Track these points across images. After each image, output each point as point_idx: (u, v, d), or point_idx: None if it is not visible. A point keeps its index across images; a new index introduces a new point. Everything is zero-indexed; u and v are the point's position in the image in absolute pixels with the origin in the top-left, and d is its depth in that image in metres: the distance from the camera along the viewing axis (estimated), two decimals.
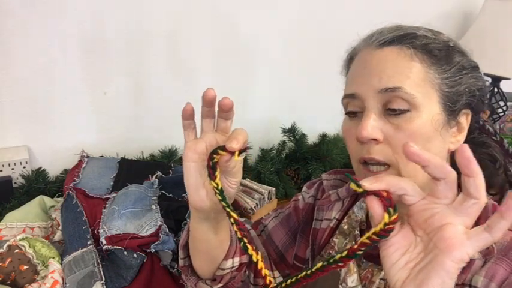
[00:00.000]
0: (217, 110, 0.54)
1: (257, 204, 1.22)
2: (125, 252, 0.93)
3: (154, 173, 1.18)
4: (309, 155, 1.48)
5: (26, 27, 1.11)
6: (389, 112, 0.54)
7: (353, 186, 0.41)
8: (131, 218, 1.00)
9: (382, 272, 0.61)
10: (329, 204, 0.72)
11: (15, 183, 1.17)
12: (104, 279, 0.90)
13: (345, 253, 0.42)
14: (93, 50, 1.21)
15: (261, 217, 0.83)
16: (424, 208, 0.42)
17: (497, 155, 0.63)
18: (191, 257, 0.67)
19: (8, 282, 0.87)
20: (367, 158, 0.55)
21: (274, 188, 1.30)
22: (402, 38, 0.56)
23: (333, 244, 0.69)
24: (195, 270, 0.68)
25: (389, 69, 0.55)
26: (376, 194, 0.41)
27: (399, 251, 0.43)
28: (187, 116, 0.53)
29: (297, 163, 1.49)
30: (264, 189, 1.27)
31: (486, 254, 0.54)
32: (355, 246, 0.42)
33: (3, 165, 1.15)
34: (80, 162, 1.19)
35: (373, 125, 0.54)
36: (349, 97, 0.59)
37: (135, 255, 0.94)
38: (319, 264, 0.43)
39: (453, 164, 0.61)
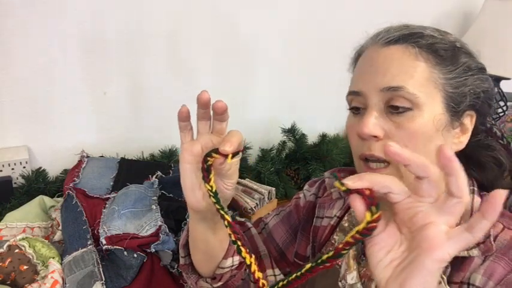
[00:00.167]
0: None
1: (257, 204, 1.22)
2: (125, 252, 0.93)
3: (154, 173, 1.18)
4: (309, 155, 1.48)
5: (26, 27, 1.11)
6: (391, 110, 0.55)
7: (337, 184, 0.41)
8: (131, 218, 1.00)
9: None
10: (330, 202, 0.73)
11: (15, 183, 1.17)
12: (104, 279, 0.90)
13: (331, 253, 0.42)
14: (93, 50, 1.21)
15: (262, 216, 0.83)
16: (409, 206, 0.42)
17: (502, 158, 0.63)
18: (191, 255, 0.68)
19: (8, 282, 0.87)
20: (367, 154, 0.56)
21: (274, 188, 1.30)
22: (408, 37, 0.57)
23: (333, 241, 0.69)
24: (196, 269, 0.68)
25: (394, 68, 0.55)
26: (359, 192, 0.41)
27: (384, 249, 0.43)
28: (183, 117, 0.53)
29: (297, 163, 1.49)
30: (264, 189, 1.27)
31: (485, 251, 0.54)
32: (340, 246, 0.42)
33: (3, 165, 1.15)
34: (80, 162, 1.19)
35: (374, 122, 0.55)
36: (353, 94, 0.59)
37: (135, 255, 0.94)
38: (308, 266, 0.43)
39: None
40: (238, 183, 1.30)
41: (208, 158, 0.50)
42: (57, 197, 1.16)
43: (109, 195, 1.09)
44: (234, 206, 1.21)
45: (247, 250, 0.48)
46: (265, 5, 1.42)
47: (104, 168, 1.20)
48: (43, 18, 1.12)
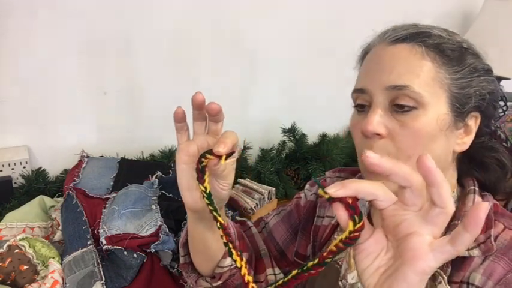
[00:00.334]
0: None
1: (257, 204, 1.22)
2: (125, 252, 0.93)
3: (154, 173, 1.18)
4: (309, 155, 1.48)
5: (26, 27, 1.11)
6: (396, 109, 0.55)
7: (320, 192, 0.40)
8: (131, 218, 1.00)
9: None
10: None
11: (15, 183, 1.17)
12: (104, 279, 0.90)
13: (316, 261, 0.42)
14: (93, 50, 1.21)
15: (262, 215, 0.84)
16: (394, 214, 0.41)
17: (505, 160, 0.63)
18: (191, 254, 0.68)
19: (8, 282, 0.87)
20: None
21: (274, 188, 1.30)
22: (415, 36, 0.57)
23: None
24: (195, 268, 0.69)
25: (400, 66, 0.55)
26: (342, 201, 0.40)
27: (371, 256, 0.42)
28: (179, 118, 0.54)
29: (297, 163, 1.49)
30: (264, 189, 1.27)
31: (486, 251, 0.54)
32: (325, 254, 0.41)
33: (3, 165, 1.15)
34: (80, 162, 1.19)
35: (378, 120, 0.55)
36: (358, 91, 0.59)
37: (135, 255, 0.94)
38: (294, 272, 0.43)
39: (460, 163, 0.61)
40: (238, 183, 1.31)
41: (203, 159, 0.50)
42: (57, 197, 1.16)
43: (109, 195, 1.09)
44: (234, 206, 1.21)
45: (239, 253, 0.48)
46: (266, 6, 1.42)
47: (104, 168, 1.20)
48: (43, 18, 1.12)
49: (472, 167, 0.63)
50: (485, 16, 1.66)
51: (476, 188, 0.60)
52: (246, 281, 0.45)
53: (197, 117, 0.54)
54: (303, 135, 1.52)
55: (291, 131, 1.51)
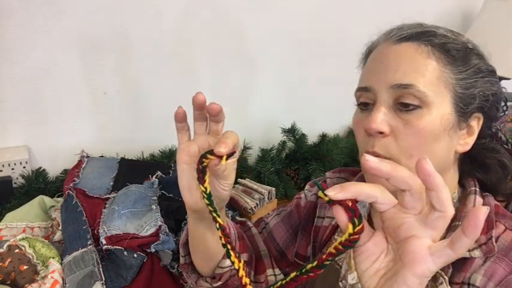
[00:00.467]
0: None
1: (257, 204, 1.22)
2: (125, 252, 0.93)
3: (154, 173, 1.18)
4: (309, 155, 1.48)
5: (26, 28, 1.11)
6: (400, 107, 0.55)
7: (320, 194, 0.40)
8: (131, 218, 1.00)
9: None
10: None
11: (15, 183, 1.17)
12: (104, 279, 0.90)
13: (315, 263, 0.42)
14: (93, 50, 1.21)
15: (262, 216, 0.83)
16: (394, 216, 0.40)
17: (507, 161, 0.63)
18: (191, 255, 0.68)
19: (8, 282, 0.87)
20: (370, 152, 0.56)
21: (274, 188, 1.30)
22: (421, 35, 0.57)
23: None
24: (196, 268, 0.68)
25: (405, 65, 0.55)
26: (341, 203, 0.40)
27: (371, 258, 0.42)
28: (179, 119, 0.54)
29: (297, 163, 1.49)
30: (264, 189, 1.27)
31: (487, 252, 0.54)
32: (324, 256, 0.41)
33: (3, 165, 1.15)
34: (80, 162, 1.19)
35: (382, 118, 0.55)
36: (362, 90, 0.59)
37: (135, 255, 0.94)
38: (292, 274, 0.43)
39: (461, 164, 0.61)
40: (238, 183, 1.31)
41: (204, 160, 0.50)
42: (57, 197, 1.16)
43: (109, 195, 1.09)
44: (234, 206, 1.21)
45: (237, 254, 0.48)
46: (267, 6, 1.42)
47: (104, 168, 1.20)
48: (43, 18, 1.12)
49: (473, 168, 0.63)
50: (485, 16, 1.66)
51: (477, 189, 0.60)
52: (244, 284, 0.45)
53: (198, 117, 0.54)
54: (303, 135, 1.52)
55: (291, 131, 1.51)
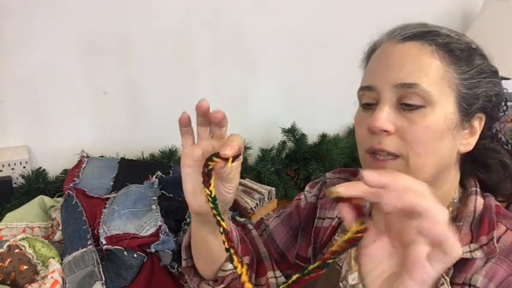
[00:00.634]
0: None
1: (257, 204, 1.22)
2: (125, 252, 0.93)
3: (154, 173, 1.17)
4: (309, 155, 1.48)
5: (27, 28, 1.11)
6: (404, 106, 0.55)
7: (328, 190, 0.40)
8: (131, 218, 1.00)
9: None
10: (332, 203, 0.72)
11: (15, 183, 1.17)
12: (104, 279, 0.90)
13: (316, 264, 0.42)
14: (93, 50, 1.21)
15: (262, 217, 0.83)
16: (397, 220, 0.40)
17: (507, 161, 0.63)
18: (193, 258, 0.67)
19: (8, 282, 0.87)
20: (377, 148, 0.55)
21: (274, 188, 1.30)
22: (425, 34, 0.57)
23: (334, 242, 0.69)
24: (198, 271, 0.68)
25: (409, 64, 0.55)
26: (347, 201, 0.40)
27: (375, 260, 0.42)
28: (184, 123, 0.54)
29: (297, 163, 1.49)
30: (264, 189, 1.27)
31: (488, 253, 0.54)
32: (326, 255, 0.41)
33: (3, 165, 1.15)
34: (80, 162, 1.19)
35: (386, 117, 0.55)
36: (365, 89, 0.59)
37: (135, 255, 0.94)
38: (294, 277, 0.43)
39: (462, 164, 0.62)
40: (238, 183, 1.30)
41: (209, 162, 0.50)
42: (57, 197, 1.16)
43: (109, 195, 1.09)
44: (234, 206, 1.21)
45: (240, 259, 0.48)
46: (266, 6, 1.42)
47: (104, 168, 1.19)
48: (43, 18, 1.12)
49: (475, 168, 0.63)
50: (485, 16, 1.66)
51: (478, 189, 0.60)
52: None
53: (201, 123, 0.54)
54: (303, 135, 1.52)
55: (291, 131, 1.51)
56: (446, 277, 0.54)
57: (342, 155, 1.48)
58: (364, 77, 0.62)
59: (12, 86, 1.15)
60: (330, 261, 0.41)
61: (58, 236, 1.02)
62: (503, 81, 0.59)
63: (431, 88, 0.54)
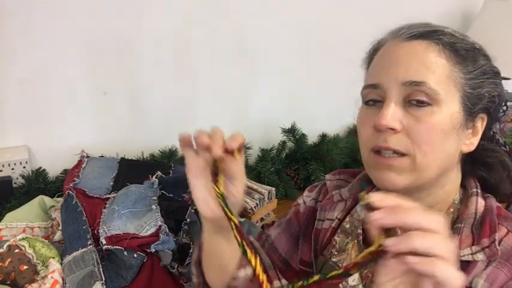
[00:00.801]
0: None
1: (257, 204, 1.22)
2: (125, 252, 0.93)
3: (154, 173, 1.17)
4: (309, 155, 1.48)
5: (27, 28, 1.11)
6: (411, 104, 0.55)
7: (362, 194, 0.40)
8: (131, 218, 1.00)
9: None
10: (332, 205, 0.72)
11: (15, 183, 1.17)
12: (104, 279, 0.90)
13: (340, 271, 0.42)
14: (93, 49, 1.21)
15: (263, 229, 0.82)
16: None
17: (507, 161, 0.63)
18: (205, 273, 0.67)
19: (8, 282, 0.87)
20: (383, 146, 0.55)
21: (274, 188, 1.30)
22: (431, 33, 0.57)
23: (334, 243, 0.69)
24: (209, 285, 0.68)
25: (416, 62, 0.55)
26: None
27: (391, 274, 0.41)
28: (185, 143, 0.54)
29: (297, 163, 1.49)
30: (264, 189, 1.27)
31: (490, 256, 0.54)
32: (349, 266, 0.41)
33: (3, 165, 1.15)
34: (80, 162, 1.19)
35: (392, 115, 0.54)
36: (370, 87, 0.59)
37: (135, 255, 0.94)
38: (316, 277, 0.43)
39: (464, 164, 0.62)
40: None
41: (217, 162, 0.52)
42: (57, 197, 1.16)
43: (109, 195, 1.09)
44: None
45: (253, 251, 0.47)
46: (266, 6, 1.42)
47: (104, 168, 1.19)
48: (44, 18, 1.12)
49: (476, 167, 0.63)
50: (485, 16, 1.66)
51: (479, 190, 0.60)
52: (261, 281, 0.45)
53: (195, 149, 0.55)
54: (303, 135, 1.52)
55: (291, 131, 1.51)
56: None
57: (342, 155, 1.48)
58: (368, 75, 0.62)
59: (12, 86, 1.15)
60: (353, 272, 0.41)
61: (58, 236, 1.02)
62: (503, 82, 0.59)
63: (438, 87, 0.54)
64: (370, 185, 0.68)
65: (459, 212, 0.59)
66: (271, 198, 1.29)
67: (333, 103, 1.55)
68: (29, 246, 0.92)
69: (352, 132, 1.69)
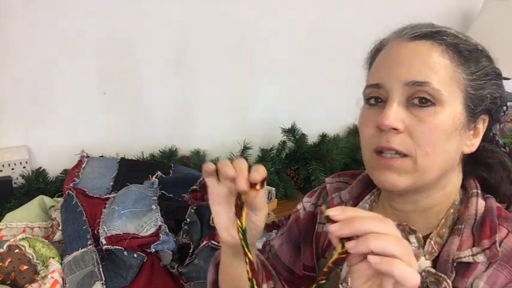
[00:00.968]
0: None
1: None
2: (125, 252, 0.93)
3: (154, 173, 1.18)
4: (309, 155, 1.48)
5: (27, 28, 1.11)
6: (413, 104, 0.54)
7: (322, 209, 0.43)
8: (131, 218, 1.00)
9: None
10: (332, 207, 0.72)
11: (15, 183, 1.17)
12: (104, 279, 0.90)
13: (313, 286, 0.45)
14: (93, 50, 1.21)
15: (267, 239, 0.83)
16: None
17: (507, 161, 0.63)
18: None
19: (8, 282, 0.87)
20: (386, 147, 0.55)
21: (274, 188, 1.30)
22: (435, 34, 0.57)
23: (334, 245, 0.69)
24: None
25: (420, 62, 0.55)
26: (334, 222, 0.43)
27: (362, 278, 0.43)
28: (208, 173, 0.54)
29: (297, 163, 1.49)
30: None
31: (491, 257, 0.53)
32: (319, 278, 0.45)
33: (3, 165, 1.15)
34: (80, 162, 1.19)
35: (395, 115, 0.54)
36: (373, 87, 0.58)
37: (135, 255, 0.94)
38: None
39: (465, 165, 0.61)
40: None
41: (241, 195, 0.52)
42: (57, 197, 1.16)
43: (109, 195, 1.09)
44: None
45: None
46: (266, 6, 1.42)
47: (104, 168, 1.20)
48: (43, 18, 1.12)
49: (477, 167, 0.63)
50: (485, 16, 1.66)
51: (479, 191, 0.60)
52: None
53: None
54: (303, 135, 1.52)
55: (291, 131, 1.51)
56: (448, 280, 0.53)
57: (341, 155, 1.48)
58: (370, 75, 0.61)
59: (12, 86, 1.15)
60: (323, 282, 0.45)
61: (58, 236, 1.02)
62: (503, 82, 0.59)
63: (441, 87, 0.53)
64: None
65: (459, 213, 0.59)
66: (271, 198, 1.29)
67: (333, 103, 1.56)
68: (29, 246, 0.92)
69: (352, 132, 1.69)
